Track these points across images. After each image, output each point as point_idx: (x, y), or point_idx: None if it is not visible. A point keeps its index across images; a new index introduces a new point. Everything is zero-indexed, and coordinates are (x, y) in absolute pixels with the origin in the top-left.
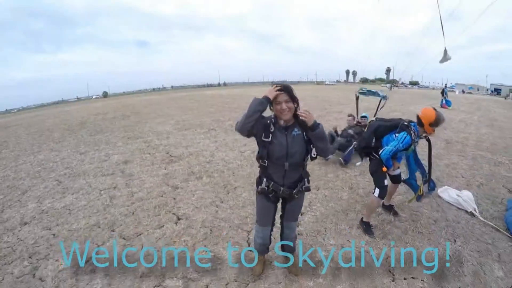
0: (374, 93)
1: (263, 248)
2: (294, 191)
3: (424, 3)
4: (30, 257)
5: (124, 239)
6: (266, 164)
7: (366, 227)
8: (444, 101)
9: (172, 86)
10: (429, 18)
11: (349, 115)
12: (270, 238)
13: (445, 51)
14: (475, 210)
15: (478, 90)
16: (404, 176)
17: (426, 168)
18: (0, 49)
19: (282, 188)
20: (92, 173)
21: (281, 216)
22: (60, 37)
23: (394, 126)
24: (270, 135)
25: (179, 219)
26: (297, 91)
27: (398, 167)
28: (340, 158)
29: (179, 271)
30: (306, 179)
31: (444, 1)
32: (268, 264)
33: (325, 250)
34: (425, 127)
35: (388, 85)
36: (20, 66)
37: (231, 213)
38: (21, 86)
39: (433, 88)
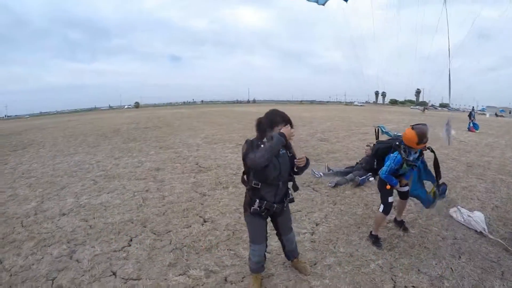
0: (388, 134)
1: (259, 266)
2: (285, 204)
3: (455, 21)
4: (68, 242)
5: (155, 234)
6: (259, 186)
7: (375, 240)
8: (471, 124)
9: (202, 101)
10: (461, 37)
11: (367, 145)
12: (265, 255)
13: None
14: (484, 230)
15: (510, 113)
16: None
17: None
18: (38, 54)
19: (275, 205)
20: (126, 176)
21: (278, 234)
22: (95, 47)
23: (390, 146)
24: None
25: (205, 221)
26: (326, 111)
27: (407, 184)
28: (357, 178)
29: (202, 264)
30: (290, 192)
31: (475, 21)
32: (266, 277)
33: (334, 256)
34: (413, 147)
35: (419, 107)
36: (56, 72)
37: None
38: (56, 90)
39: (463, 111)
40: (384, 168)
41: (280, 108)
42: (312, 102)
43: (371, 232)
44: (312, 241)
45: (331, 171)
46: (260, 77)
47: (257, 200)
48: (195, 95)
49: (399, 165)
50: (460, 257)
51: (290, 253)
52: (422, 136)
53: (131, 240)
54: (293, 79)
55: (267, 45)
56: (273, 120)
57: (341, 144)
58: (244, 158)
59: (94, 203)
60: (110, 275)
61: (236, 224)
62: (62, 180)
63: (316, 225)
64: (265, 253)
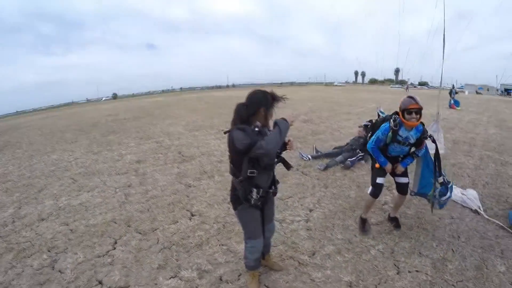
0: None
1: (258, 262)
2: (276, 188)
3: (434, 3)
4: (49, 251)
5: (140, 233)
6: (255, 174)
7: (361, 224)
8: (452, 102)
9: (181, 88)
10: (439, 18)
11: (360, 126)
12: (261, 251)
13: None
14: (479, 208)
15: (488, 90)
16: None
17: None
18: (11, 51)
19: (270, 191)
20: (106, 172)
21: (261, 221)
22: (68, 40)
23: (384, 120)
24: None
25: (192, 215)
26: (306, 92)
27: (405, 174)
28: (348, 161)
29: (194, 263)
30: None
31: (453, 1)
32: (264, 273)
33: (333, 244)
34: (400, 115)
35: (399, 85)
36: (30, 68)
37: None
38: (31, 88)
39: (443, 89)
40: (372, 137)
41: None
42: (292, 83)
43: (360, 216)
44: (307, 229)
45: (319, 153)
46: (239, 62)
47: (254, 190)
48: (174, 82)
49: (385, 135)
50: (459, 237)
51: (266, 246)
52: (403, 105)
53: (115, 242)
54: (273, 63)
55: (246, 30)
56: (261, 101)
57: (325, 125)
58: (247, 149)
59: (74, 204)
60: (96, 285)
61: (226, 216)
62: (40, 181)
63: (310, 211)
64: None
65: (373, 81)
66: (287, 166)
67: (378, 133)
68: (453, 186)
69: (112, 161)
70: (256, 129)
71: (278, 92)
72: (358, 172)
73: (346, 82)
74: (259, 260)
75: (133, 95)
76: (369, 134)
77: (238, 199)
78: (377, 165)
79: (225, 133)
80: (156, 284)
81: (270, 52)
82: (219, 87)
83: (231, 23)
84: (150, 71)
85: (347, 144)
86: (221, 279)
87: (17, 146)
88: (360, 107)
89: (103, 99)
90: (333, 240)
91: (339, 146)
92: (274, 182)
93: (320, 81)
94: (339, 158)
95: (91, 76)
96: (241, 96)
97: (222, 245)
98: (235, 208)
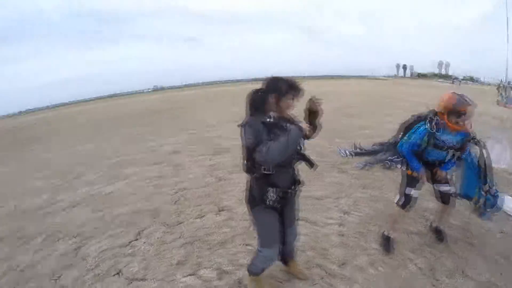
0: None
1: (264, 270)
2: (297, 188)
3: None
4: (75, 237)
5: (165, 226)
6: (272, 172)
7: (384, 242)
8: (504, 99)
9: (223, 80)
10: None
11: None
12: None
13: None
14: None
15: None
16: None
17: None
18: (53, 48)
19: (290, 191)
20: (141, 162)
21: (281, 224)
22: (109, 35)
23: (424, 117)
24: (276, 132)
25: (220, 210)
26: (349, 86)
27: (447, 182)
28: (388, 160)
29: (215, 262)
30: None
31: None
32: (286, 280)
33: (366, 254)
34: (440, 116)
35: (444, 80)
36: (72, 63)
37: None
38: (74, 81)
39: (489, 84)
40: (401, 141)
41: (301, 84)
42: (332, 77)
43: (383, 232)
44: (340, 234)
45: (359, 149)
46: (279, 55)
47: (270, 189)
48: (216, 74)
49: (421, 139)
50: (509, 258)
51: (289, 252)
52: (456, 107)
53: (139, 233)
54: (315, 55)
55: (286, 21)
56: (272, 87)
57: (367, 120)
58: (251, 150)
59: (106, 192)
60: (115, 274)
61: None
62: (77, 168)
63: (345, 214)
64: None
65: (418, 75)
66: (310, 164)
67: (414, 136)
68: (506, 196)
69: (147, 152)
70: (269, 119)
71: (321, 84)
72: (400, 172)
73: (394, 75)
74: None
75: (175, 87)
76: (400, 131)
77: (254, 199)
78: (409, 172)
79: (238, 126)
80: (173, 280)
81: (309, 43)
82: (257, 80)
83: (271, 14)
84: (192, 63)
85: (388, 141)
86: (240, 283)
87: (61, 134)
88: (406, 101)
89: (145, 91)
90: (367, 250)
91: (380, 142)
92: (295, 182)
93: (364, 75)
94: (380, 156)
95: (135, 69)
96: None
97: (247, 245)
98: (250, 210)
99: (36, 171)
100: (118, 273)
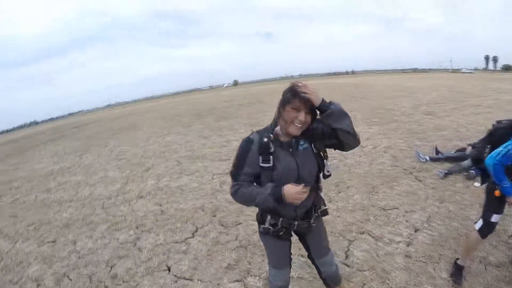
0: None
1: None
2: (312, 221)
3: None
4: (136, 228)
5: (222, 226)
6: None
7: (455, 271)
8: None
9: (300, 74)
10: None
11: (469, 144)
12: (289, 278)
13: None
14: None
15: None
16: None
17: None
18: (137, 47)
19: (296, 223)
20: (210, 157)
21: (309, 255)
22: (189, 33)
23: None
24: (271, 158)
25: None
26: (430, 80)
27: None
28: (471, 171)
29: (264, 271)
30: (320, 201)
31: None
32: None
33: (433, 284)
34: None
35: None
36: (155, 60)
37: (336, 216)
38: (157, 77)
39: None
40: (497, 150)
41: (378, 79)
42: (414, 70)
43: (456, 259)
44: (406, 256)
45: (440, 154)
46: (359, 48)
47: (269, 216)
48: (293, 69)
49: None
50: None
51: (331, 279)
52: None
53: (196, 231)
54: (393, 47)
55: (364, 13)
56: (292, 93)
57: (450, 119)
58: (230, 173)
59: (172, 186)
60: (164, 270)
61: None
62: (150, 161)
63: (415, 232)
64: (289, 275)
65: (506, 68)
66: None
67: (504, 151)
68: None
69: (219, 147)
70: (266, 139)
71: (401, 79)
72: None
73: (476, 69)
74: (287, 286)
75: (253, 82)
76: (484, 143)
77: (257, 219)
78: (497, 193)
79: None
80: (218, 284)
81: (388, 36)
82: (338, 74)
83: (346, 6)
84: (269, 59)
85: (473, 146)
86: None
87: (139, 127)
88: (493, 99)
89: (225, 85)
90: (435, 278)
91: (463, 147)
92: (309, 212)
93: (446, 67)
94: (465, 163)
95: (215, 65)
96: (359, 83)
97: (302, 256)
98: (258, 228)
99: (114, 160)
100: (167, 269)
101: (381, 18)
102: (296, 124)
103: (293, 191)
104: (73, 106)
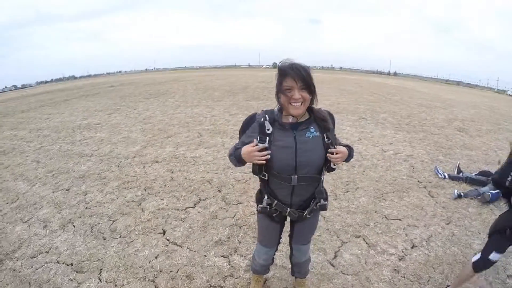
0: None
1: (264, 268)
2: (306, 212)
3: None
4: (144, 189)
5: (224, 202)
6: (266, 178)
7: None
8: None
9: (341, 67)
10: None
11: None
12: (273, 258)
13: None
14: None
15: None
16: None
17: None
18: (182, 16)
19: (289, 209)
20: (231, 134)
21: (290, 236)
22: (236, 8)
23: None
24: (267, 138)
25: None
26: (472, 96)
27: None
28: (487, 193)
29: (251, 252)
30: (322, 196)
31: None
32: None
33: None
34: None
35: None
36: (200, 31)
37: (337, 215)
38: (200, 48)
39: None
40: None
41: (419, 85)
42: (458, 83)
43: (446, 286)
44: (395, 270)
45: (461, 173)
46: (403, 49)
47: (266, 196)
48: (334, 61)
49: None
50: None
51: (296, 269)
52: None
53: (198, 202)
54: (441, 55)
55: (415, 13)
56: (280, 73)
57: (481, 140)
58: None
59: (188, 156)
60: (160, 233)
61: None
62: (173, 129)
63: (412, 248)
64: (274, 256)
65: None
66: (330, 168)
67: None
68: None
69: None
70: (262, 119)
71: (442, 90)
72: (498, 214)
73: None
74: (266, 267)
75: None
76: (505, 168)
77: (259, 197)
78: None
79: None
80: (205, 256)
81: (439, 41)
82: (379, 73)
83: (401, 2)
84: (311, 46)
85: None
86: (264, 283)
87: (171, 95)
88: None
89: (264, 66)
90: None
91: (487, 171)
92: (305, 204)
93: (491, 86)
94: (485, 189)
95: (255, 44)
96: (399, 86)
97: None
98: (256, 206)
99: (140, 123)
100: (162, 233)
101: (435, 22)
102: (293, 103)
103: (247, 150)
104: (111, 65)
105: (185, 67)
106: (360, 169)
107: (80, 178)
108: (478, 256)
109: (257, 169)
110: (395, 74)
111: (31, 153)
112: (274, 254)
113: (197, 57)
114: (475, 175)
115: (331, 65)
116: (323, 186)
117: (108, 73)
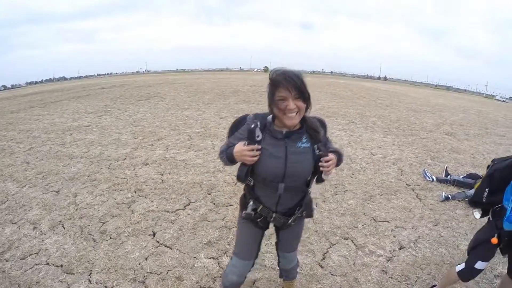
0: None
1: (234, 287)
2: (291, 220)
3: None
4: (134, 192)
5: (214, 204)
6: (251, 183)
7: None
8: None
9: (332, 72)
10: None
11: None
12: (245, 276)
13: None
14: None
15: None
16: None
17: None
18: (176, 19)
19: (274, 215)
20: (221, 137)
21: (276, 244)
22: (229, 12)
23: None
24: (255, 145)
25: None
26: (461, 101)
27: None
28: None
29: None
30: (308, 203)
31: None
32: None
33: None
34: None
35: None
36: (193, 35)
37: (325, 217)
38: (191, 50)
39: None
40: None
41: (409, 89)
42: (448, 88)
43: (433, 286)
44: (383, 270)
45: (449, 176)
46: (393, 54)
47: (251, 202)
48: (325, 65)
49: None
50: None
51: (284, 273)
52: None
53: (188, 204)
54: (431, 60)
55: (406, 19)
56: (272, 83)
57: (469, 143)
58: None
59: (178, 159)
60: (150, 235)
61: (321, 218)
62: (163, 132)
63: (400, 249)
64: (248, 272)
65: None
66: (319, 179)
67: None
68: None
69: None
70: (253, 126)
71: (432, 94)
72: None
73: (511, 98)
74: (238, 286)
75: None
76: (483, 185)
77: (240, 204)
78: (494, 240)
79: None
80: (195, 257)
81: (428, 48)
82: (370, 77)
83: (391, 9)
84: (303, 50)
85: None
86: (253, 284)
87: (162, 98)
88: None
89: (255, 70)
90: None
91: (475, 173)
92: (291, 210)
93: (480, 91)
94: (471, 191)
95: (246, 47)
96: (389, 91)
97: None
98: (240, 212)
99: (130, 125)
100: (152, 234)
101: (426, 26)
102: (288, 114)
103: (239, 149)
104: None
105: (177, 69)
106: (349, 172)
107: (70, 180)
108: (462, 265)
109: (244, 174)
110: (385, 78)
111: (21, 154)
112: (249, 270)
113: (189, 60)
114: (462, 177)
115: (322, 69)
116: (310, 198)
117: (99, 75)
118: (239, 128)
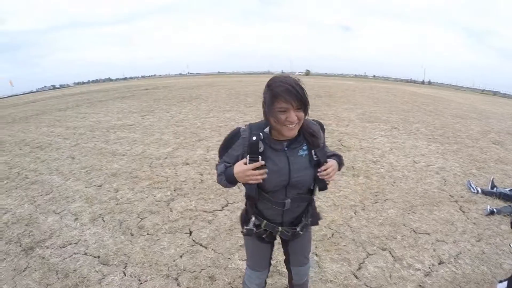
0: None
1: None
2: (298, 228)
3: None
4: (174, 190)
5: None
6: (255, 198)
7: None
8: None
9: (374, 76)
10: None
11: None
12: (265, 282)
13: None
14: None
15: None
16: None
17: None
18: (220, 22)
19: (280, 228)
20: None
21: (286, 261)
22: (266, 14)
23: None
24: (259, 158)
25: None
26: (508, 106)
27: None
28: None
29: (275, 258)
30: (313, 210)
31: None
32: None
33: None
34: None
35: None
36: (231, 37)
37: (364, 226)
38: (233, 54)
39: None
40: None
41: (454, 95)
42: (495, 93)
43: None
44: (420, 285)
45: (495, 188)
46: (438, 58)
47: (253, 217)
48: (367, 68)
49: None
50: None
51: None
52: None
53: (226, 205)
54: (475, 63)
55: (447, 21)
56: (272, 93)
57: None
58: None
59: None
60: (186, 233)
61: (342, 224)
62: (205, 133)
63: (439, 264)
64: (266, 279)
65: None
66: (323, 185)
67: None
68: None
69: None
70: (255, 137)
71: (478, 100)
72: None
73: None
74: None
75: (325, 75)
76: None
77: (241, 218)
78: None
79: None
80: (229, 258)
81: (472, 50)
82: (413, 82)
83: (432, 10)
84: (344, 54)
85: None
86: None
87: (204, 100)
88: None
89: (296, 73)
90: None
91: None
92: (296, 222)
93: None
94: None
95: (286, 50)
96: (434, 96)
97: (317, 254)
98: (241, 228)
99: (172, 126)
100: (189, 233)
101: (469, 27)
102: (288, 126)
103: (240, 169)
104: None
105: (219, 72)
106: (390, 180)
107: (112, 175)
108: (505, 284)
109: (255, 193)
110: (429, 83)
111: (67, 149)
112: (267, 277)
113: (230, 62)
114: (509, 190)
115: (364, 73)
116: (315, 207)
117: (143, 76)
118: (234, 144)
